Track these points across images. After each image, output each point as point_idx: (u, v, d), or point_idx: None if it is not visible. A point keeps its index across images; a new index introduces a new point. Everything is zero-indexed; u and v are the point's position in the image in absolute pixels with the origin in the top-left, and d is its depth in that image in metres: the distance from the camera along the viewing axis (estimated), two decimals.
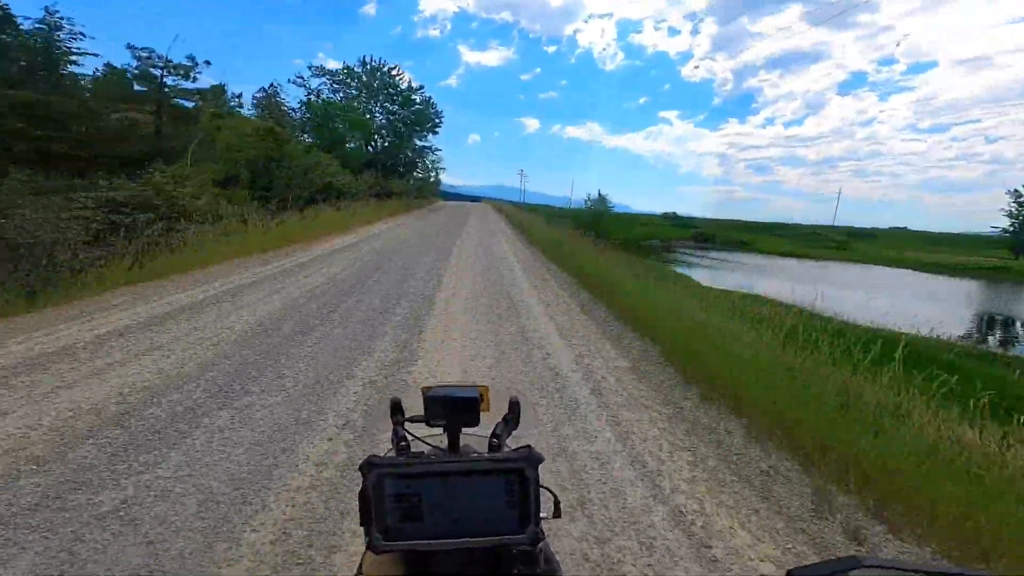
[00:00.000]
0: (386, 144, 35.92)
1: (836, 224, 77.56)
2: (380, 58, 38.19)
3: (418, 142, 39.18)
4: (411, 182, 37.91)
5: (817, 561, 0.54)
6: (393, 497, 0.60)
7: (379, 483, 0.59)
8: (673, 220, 66.81)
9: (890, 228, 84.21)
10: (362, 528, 0.60)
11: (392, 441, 0.77)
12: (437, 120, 38.98)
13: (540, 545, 0.64)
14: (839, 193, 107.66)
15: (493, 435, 0.74)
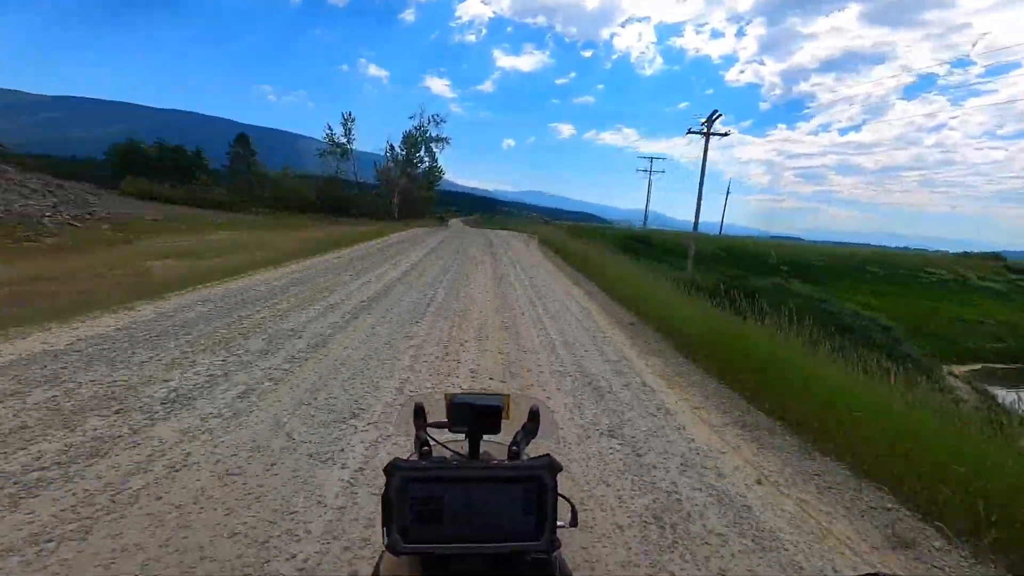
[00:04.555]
0: None
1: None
2: None
3: None
4: None
5: None
6: (415, 500, 0.60)
7: (403, 486, 0.60)
8: (999, 263, 34.55)
9: None
10: (382, 529, 0.61)
11: (414, 445, 0.77)
12: None
13: (555, 554, 0.65)
14: None
15: (513, 443, 0.74)
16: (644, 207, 39.27)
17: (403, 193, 35.40)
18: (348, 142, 36.18)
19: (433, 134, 36.94)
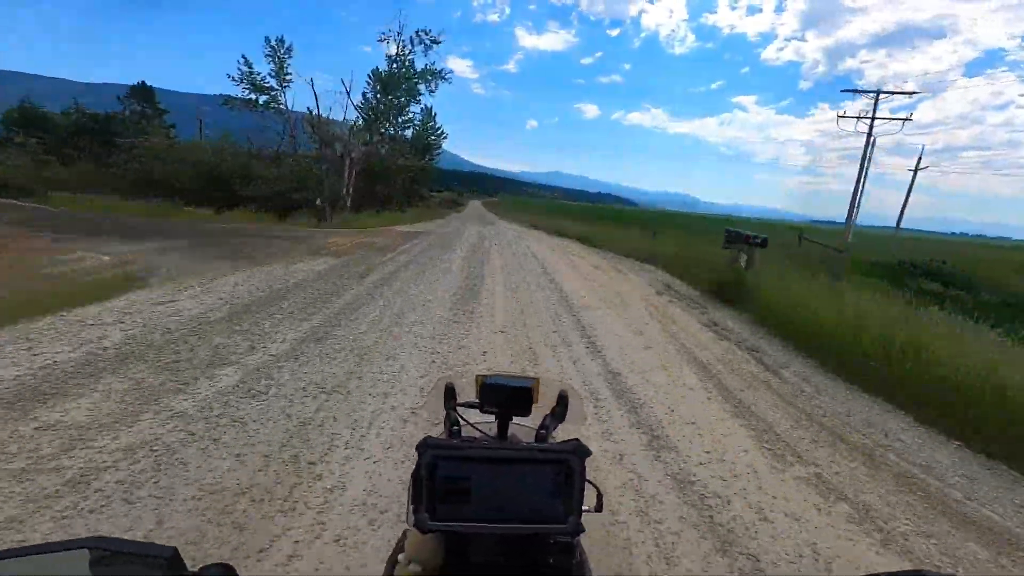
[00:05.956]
0: None
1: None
2: None
3: None
4: None
5: (882, 572, 0.59)
6: (444, 479, 0.61)
7: (433, 464, 0.60)
8: None
9: None
10: (408, 507, 0.63)
11: (444, 424, 0.79)
12: None
13: (577, 538, 0.64)
14: None
15: (541, 426, 0.77)
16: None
17: (365, 163, 20.51)
18: (280, 85, 21.14)
19: (421, 66, 21.57)
